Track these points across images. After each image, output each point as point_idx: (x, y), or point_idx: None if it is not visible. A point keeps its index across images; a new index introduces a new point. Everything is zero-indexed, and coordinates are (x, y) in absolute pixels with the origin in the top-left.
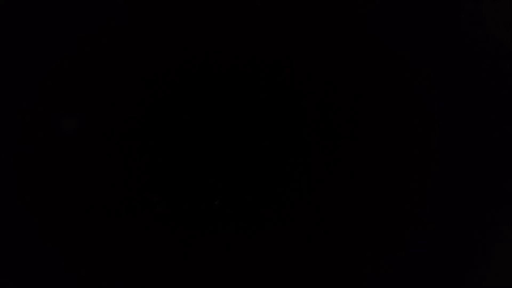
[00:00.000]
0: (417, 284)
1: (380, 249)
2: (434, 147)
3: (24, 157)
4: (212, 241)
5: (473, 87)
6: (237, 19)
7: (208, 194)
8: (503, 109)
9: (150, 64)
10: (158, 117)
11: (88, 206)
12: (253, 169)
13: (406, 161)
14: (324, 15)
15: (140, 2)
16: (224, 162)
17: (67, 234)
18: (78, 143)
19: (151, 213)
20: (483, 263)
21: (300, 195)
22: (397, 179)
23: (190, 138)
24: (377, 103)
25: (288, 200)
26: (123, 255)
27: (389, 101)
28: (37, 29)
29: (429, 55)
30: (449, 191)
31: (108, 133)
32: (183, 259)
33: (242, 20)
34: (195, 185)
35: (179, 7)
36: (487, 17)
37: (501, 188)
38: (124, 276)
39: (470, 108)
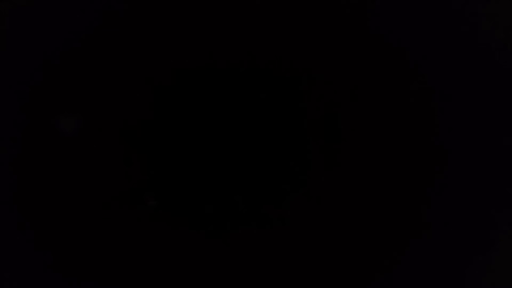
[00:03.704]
0: (418, 284)
1: (381, 249)
2: (434, 147)
3: (23, 156)
4: (211, 241)
5: (474, 88)
6: (238, 17)
7: (207, 194)
8: (504, 110)
9: (150, 64)
10: (157, 116)
11: (86, 205)
12: (253, 169)
13: (407, 161)
14: (324, 14)
15: (140, 2)
16: (223, 162)
17: (66, 233)
18: (76, 143)
19: (150, 213)
20: (483, 263)
21: (300, 195)
22: (397, 180)
23: (190, 137)
24: (378, 103)
25: (288, 200)
26: (122, 255)
27: (390, 101)
28: (37, 29)
29: (430, 55)
30: (450, 191)
31: (107, 132)
32: (182, 258)
33: (243, 19)
34: (195, 185)
35: (179, 6)
36: (488, 17)
37: (502, 189)
38: (123, 275)
39: (471, 109)
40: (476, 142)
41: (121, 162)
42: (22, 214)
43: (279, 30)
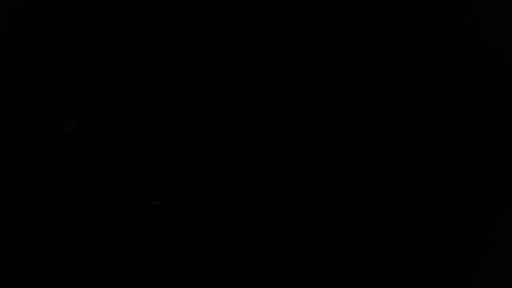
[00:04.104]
0: (418, 284)
1: (380, 248)
2: (434, 147)
3: (23, 156)
4: (211, 240)
5: (474, 88)
6: (239, 18)
7: (208, 194)
8: (503, 110)
9: (150, 64)
10: (158, 117)
11: (86, 204)
12: (253, 169)
13: (407, 161)
14: (324, 14)
15: (140, 2)
16: (224, 162)
17: (67, 233)
18: (77, 143)
19: (152, 212)
20: (483, 263)
21: (300, 195)
22: (397, 180)
23: (192, 137)
24: (378, 103)
25: (287, 200)
26: (123, 254)
27: (389, 101)
28: (37, 29)
29: (430, 55)
30: (450, 191)
31: (108, 132)
32: (182, 257)
33: (244, 19)
34: (196, 185)
35: (179, 7)
36: (488, 17)
37: (502, 189)
38: (124, 274)
39: (470, 109)
40: (475, 142)
41: (123, 162)
42: (22, 214)
43: (279, 31)
